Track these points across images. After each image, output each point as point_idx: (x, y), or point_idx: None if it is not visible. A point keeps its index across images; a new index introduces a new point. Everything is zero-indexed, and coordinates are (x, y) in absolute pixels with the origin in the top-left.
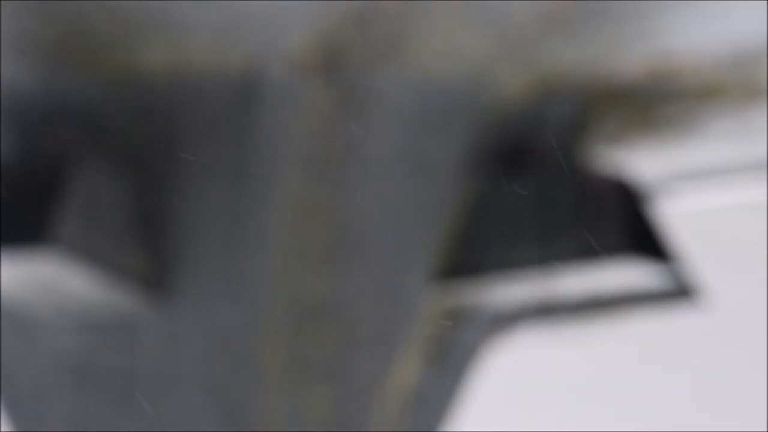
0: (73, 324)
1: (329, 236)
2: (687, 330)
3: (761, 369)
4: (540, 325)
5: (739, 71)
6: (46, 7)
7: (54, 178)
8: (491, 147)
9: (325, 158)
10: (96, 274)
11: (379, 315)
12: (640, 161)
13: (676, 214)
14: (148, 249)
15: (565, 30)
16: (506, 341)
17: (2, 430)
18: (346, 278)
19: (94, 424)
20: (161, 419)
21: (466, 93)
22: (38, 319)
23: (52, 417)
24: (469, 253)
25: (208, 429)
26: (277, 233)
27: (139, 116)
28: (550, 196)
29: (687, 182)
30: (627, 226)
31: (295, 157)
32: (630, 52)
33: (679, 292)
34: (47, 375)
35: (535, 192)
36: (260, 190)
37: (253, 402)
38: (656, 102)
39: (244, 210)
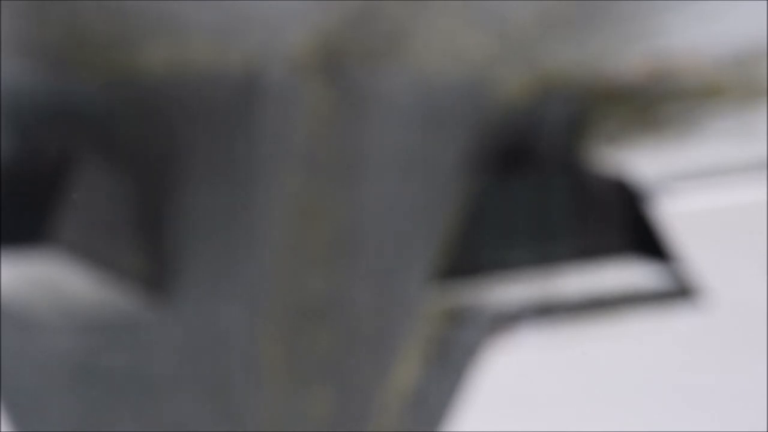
0: (73, 324)
1: (329, 236)
2: (687, 330)
3: (761, 369)
4: (540, 325)
5: (739, 71)
6: (46, 8)
7: (54, 178)
8: (491, 147)
9: (325, 158)
10: (96, 274)
11: (379, 315)
12: (640, 161)
13: (676, 214)
14: (148, 249)
15: (565, 30)
16: (506, 341)
17: (2, 430)
18: (346, 278)
19: (94, 424)
20: (161, 419)
21: (466, 93)
22: (38, 319)
23: (52, 417)
24: (469, 253)
25: (208, 429)
26: (276, 233)
27: (139, 116)
28: (550, 196)
29: (687, 182)
30: (627, 226)
31: (295, 157)
32: (630, 52)
33: (679, 292)
34: (47, 375)
35: (535, 192)
36: (260, 190)
37: (253, 402)
38: (656, 102)
39: (243, 210)
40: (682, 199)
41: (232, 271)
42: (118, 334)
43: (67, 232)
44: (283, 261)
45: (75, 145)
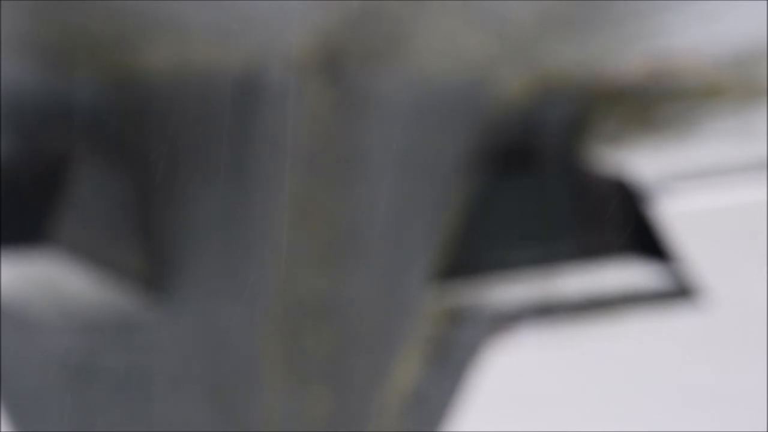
0: (73, 324)
1: (329, 236)
2: (687, 330)
3: (761, 369)
4: (540, 325)
5: (739, 71)
6: (46, 7)
7: (54, 178)
8: (491, 147)
9: (325, 158)
10: (96, 274)
11: (379, 315)
12: (640, 161)
13: (676, 214)
14: (148, 249)
15: (565, 30)
16: (506, 341)
17: (2, 430)
18: (346, 278)
19: (94, 424)
20: (161, 419)
21: (466, 93)
22: (38, 319)
23: (52, 417)
24: (469, 253)
25: (208, 429)
26: (277, 233)
27: (140, 116)
28: (550, 196)
29: (687, 182)
30: (627, 226)
31: (295, 157)
32: (630, 52)
33: (679, 292)
34: (47, 375)
35: (535, 192)
36: (260, 190)
37: (253, 402)
38: (656, 102)
39: (244, 210)
40: (682, 199)
41: (232, 271)
42: (118, 334)
43: (67, 232)
44: (283, 261)
45: (75, 145)
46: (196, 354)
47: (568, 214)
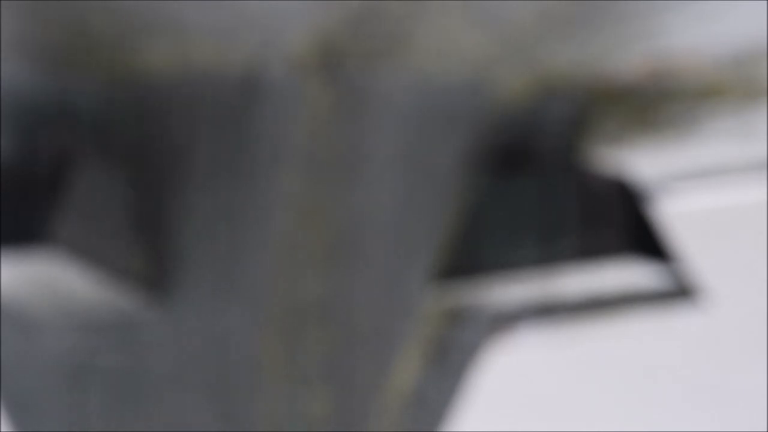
0: (73, 324)
1: (329, 236)
2: (687, 330)
3: (761, 369)
4: (540, 325)
5: (739, 71)
6: (46, 8)
7: (54, 178)
8: (491, 147)
9: (325, 158)
10: (96, 274)
11: (379, 315)
12: (640, 161)
13: (676, 214)
14: (148, 249)
15: (565, 30)
16: (506, 341)
17: (2, 430)
18: (345, 278)
19: (94, 424)
20: (161, 419)
21: (466, 93)
22: (38, 319)
23: (52, 417)
24: (469, 253)
25: (208, 429)
26: (277, 233)
27: (140, 116)
28: (550, 196)
29: (687, 182)
30: (627, 226)
31: (295, 157)
32: (630, 52)
33: (679, 292)
34: (47, 375)
35: (535, 192)
36: (260, 190)
37: (253, 402)
38: (656, 102)
39: (243, 210)
40: (682, 199)
41: (232, 271)
42: (118, 334)
43: (67, 232)
44: (283, 261)
45: (75, 145)
46: (196, 354)
47: (568, 214)
